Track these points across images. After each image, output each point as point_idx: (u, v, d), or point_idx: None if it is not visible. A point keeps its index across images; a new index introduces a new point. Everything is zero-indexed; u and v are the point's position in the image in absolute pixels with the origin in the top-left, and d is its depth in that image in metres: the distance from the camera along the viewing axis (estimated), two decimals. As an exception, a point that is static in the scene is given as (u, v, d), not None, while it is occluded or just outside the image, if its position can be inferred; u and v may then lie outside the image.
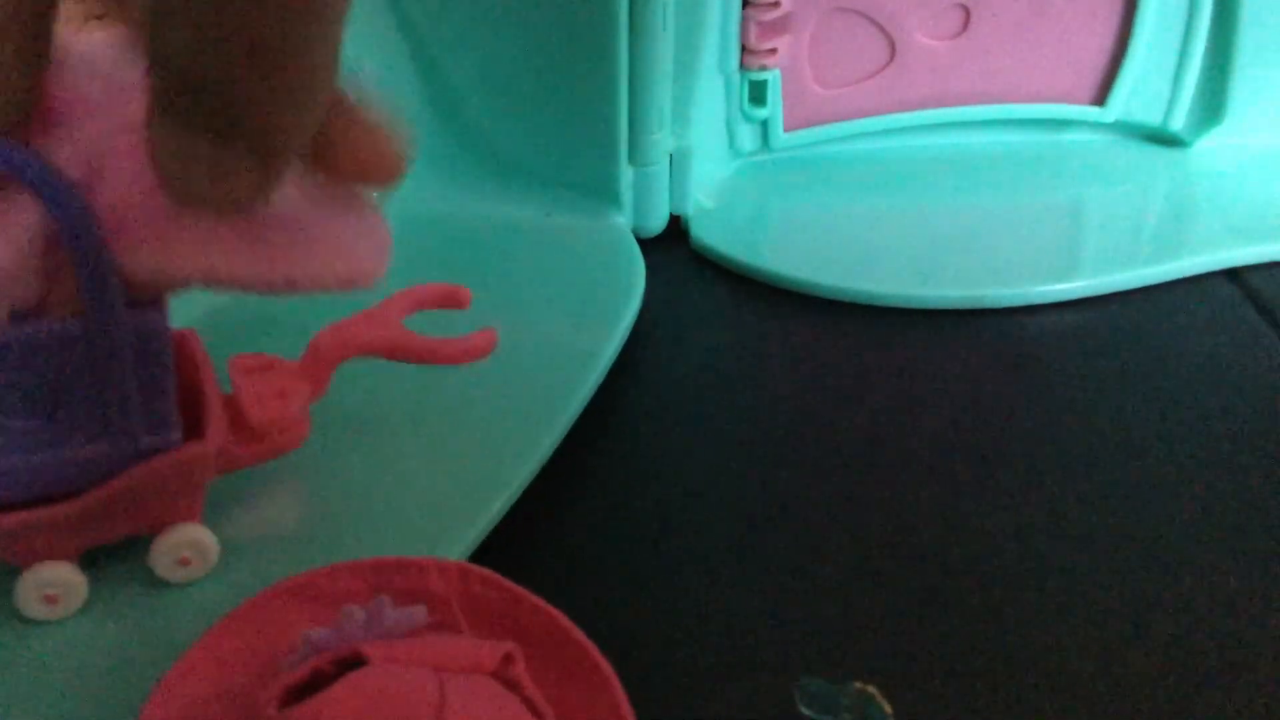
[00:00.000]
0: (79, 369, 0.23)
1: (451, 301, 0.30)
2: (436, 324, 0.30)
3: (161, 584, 0.27)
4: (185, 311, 0.25)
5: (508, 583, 0.24)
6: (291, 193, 0.24)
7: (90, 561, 0.26)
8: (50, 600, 0.25)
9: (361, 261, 0.25)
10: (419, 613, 0.22)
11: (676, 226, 0.46)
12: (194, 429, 0.26)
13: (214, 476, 0.27)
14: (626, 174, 0.43)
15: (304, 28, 0.17)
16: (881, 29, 0.48)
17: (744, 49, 0.46)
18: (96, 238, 0.21)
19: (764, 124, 0.49)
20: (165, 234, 0.22)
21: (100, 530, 0.25)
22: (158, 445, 0.25)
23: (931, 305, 0.40)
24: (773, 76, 0.47)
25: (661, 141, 0.43)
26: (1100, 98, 0.51)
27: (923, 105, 0.50)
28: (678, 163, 0.45)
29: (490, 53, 0.43)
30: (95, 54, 0.23)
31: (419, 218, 0.42)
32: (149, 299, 0.23)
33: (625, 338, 0.37)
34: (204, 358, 0.28)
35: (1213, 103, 0.50)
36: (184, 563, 0.26)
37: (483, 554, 0.28)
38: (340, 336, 0.29)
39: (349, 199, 0.26)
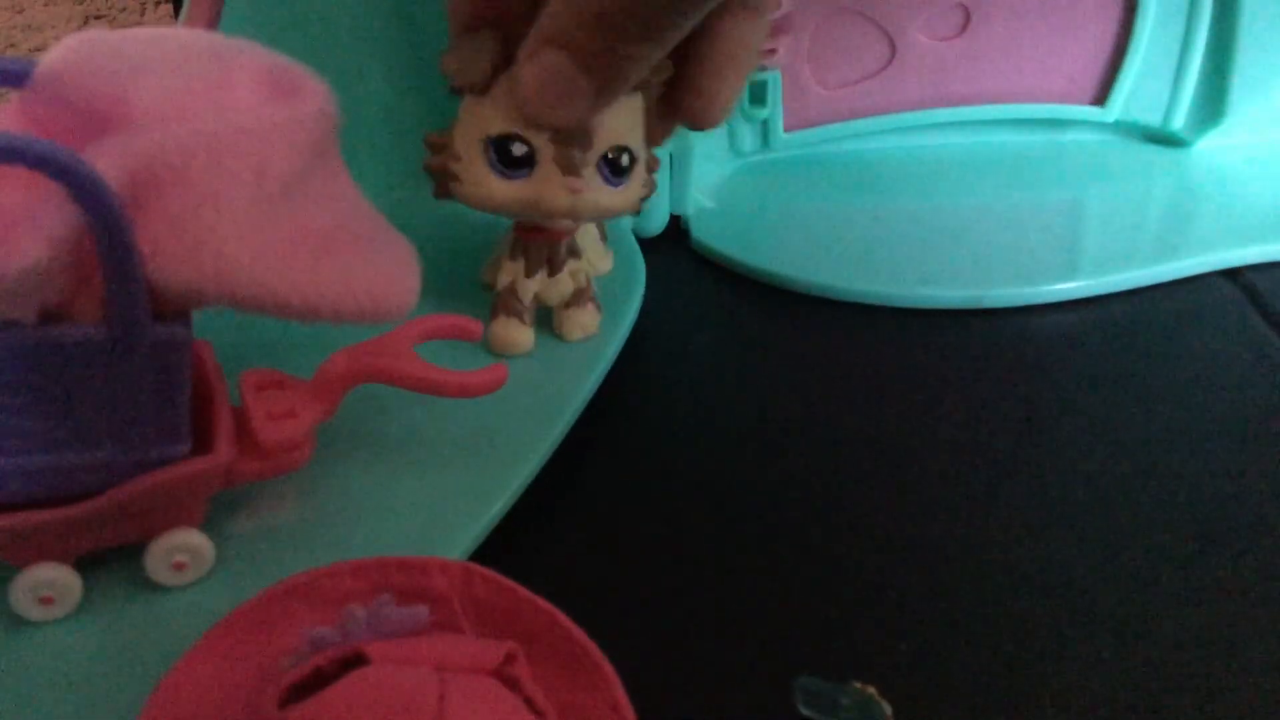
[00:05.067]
0: (97, 375, 0.23)
1: (462, 333, 0.31)
2: (445, 345, 0.31)
3: (158, 586, 0.27)
4: (199, 320, 0.25)
5: (509, 582, 0.24)
6: (328, 226, 0.25)
7: (85, 563, 0.26)
8: (46, 602, 0.25)
9: (389, 297, 0.25)
10: (420, 612, 0.22)
11: (676, 226, 0.46)
12: (202, 440, 0.26)
13: (217, 489, 0.27)
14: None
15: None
16: (881, 29, 0.48)
17: (744, 49, 0.46)
18: (130, 248, 0.21)
19: (764, 124, 0.49)
20: (198, 254, 0.22)
21: (102, 535, 0.25)
22: (167, 456, 0.25)
23: (931, 305, 0.40)
24: (773, 76, 0.47)
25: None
26: (1100, 98, 0.51)
27: (923, 105, 0.50)
28: (678, 163, 0.45)
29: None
30: (150, 62, 0.24)
31: (420, 219, 0.42)
32: (174, 313, 0.23)
33: (625, 338, 0.37)
34: (216, 370, 0.28)
35: (1213, 103, 0.50)
36: (178, 566, 0.26)
37: (483, 554, 0.28)
38: (353, 362, 0.29)
39: (383, 233, 0.26)
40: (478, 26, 0.30)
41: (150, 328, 0.23)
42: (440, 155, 0.32)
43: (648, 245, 0.43)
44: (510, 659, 0.21)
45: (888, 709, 0.24)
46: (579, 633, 0.23)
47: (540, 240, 0.35)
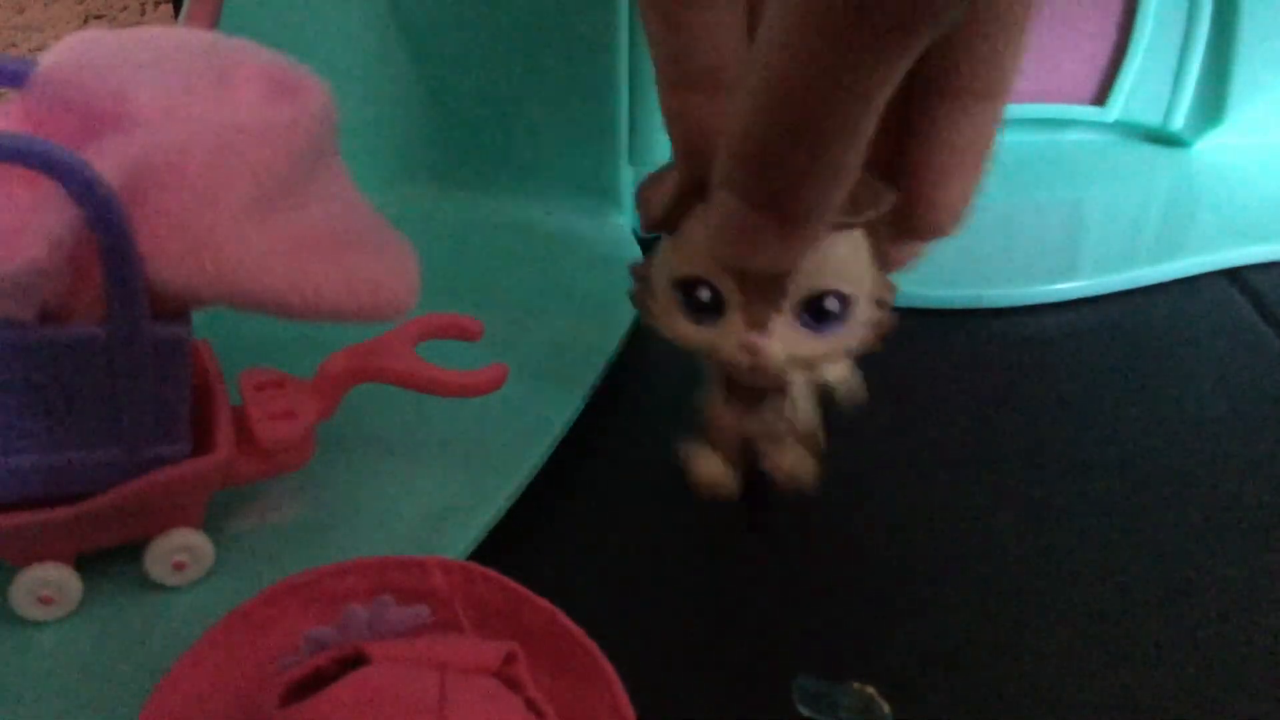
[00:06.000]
0: (96, 375, 0.23)
1: (463, 332, 0.31)
2: (445, 344, 0.31)
3: (158, 585, 0.27)
4: (198, 319, 0.25)
5: (510, 582, 0.24)
6: (328, 225, 0.25)
7: (85, 563, 0.26)
8: (46, 601, 0.25)
9: (389, 296, 0.25)
10: (421, 612, 0.22)
11: (676, 226, 0.46)
12: (202, 440, 0.26)
13: (217, 489, 0.27)
14: (626, 174, 0.43)
15: (848, 115, 0.18)
16: (881, 29, 0.48)
17: (744, 49, 0.46)
18: (129, 248, 0.21)
19: (764, 124, 0.49)
20: (198, 253, 0.22)
21: (101, 534, 0.25)
22: (167, 455, 0.25)
23: (931, 305, 0.40)
24: (773, 76, 0.47)
25: (662, 141, 0.43)
26: (1100, 98, 0.51)
27: (923, 105, 0.50)
28: (678, 163, 0.45)
29: (490, 53, 0.43)
30: (149, 62, 0.24)
31: (419, 218, 0.42)
32: (173, 312, 0.24)
33: (625, 338, 0.37)
34: (216, 369, 0.28)
35: (1213, 103, 0.50)
36: (178, 566, 0.26)
37: (483, 554, 0.28)
38: (353, 361, 0.29)
39: (382, 232, 0.26)
40: (689, 155, 0.25)
41: (150, 328, 0.23)
42: (640, 285, 0.29)
43: (648, 245, 0.43)
44: (511, 659, 0.21)
45: (887, 709, 0.24)
46: (579, 633, 0.23)
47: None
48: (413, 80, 0.44)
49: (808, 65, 0.17)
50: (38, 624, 0.25)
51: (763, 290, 0.26)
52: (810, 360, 0.27)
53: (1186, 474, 0.32)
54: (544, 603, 0.24)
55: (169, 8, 0.71)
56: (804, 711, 0.25)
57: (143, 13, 0.71)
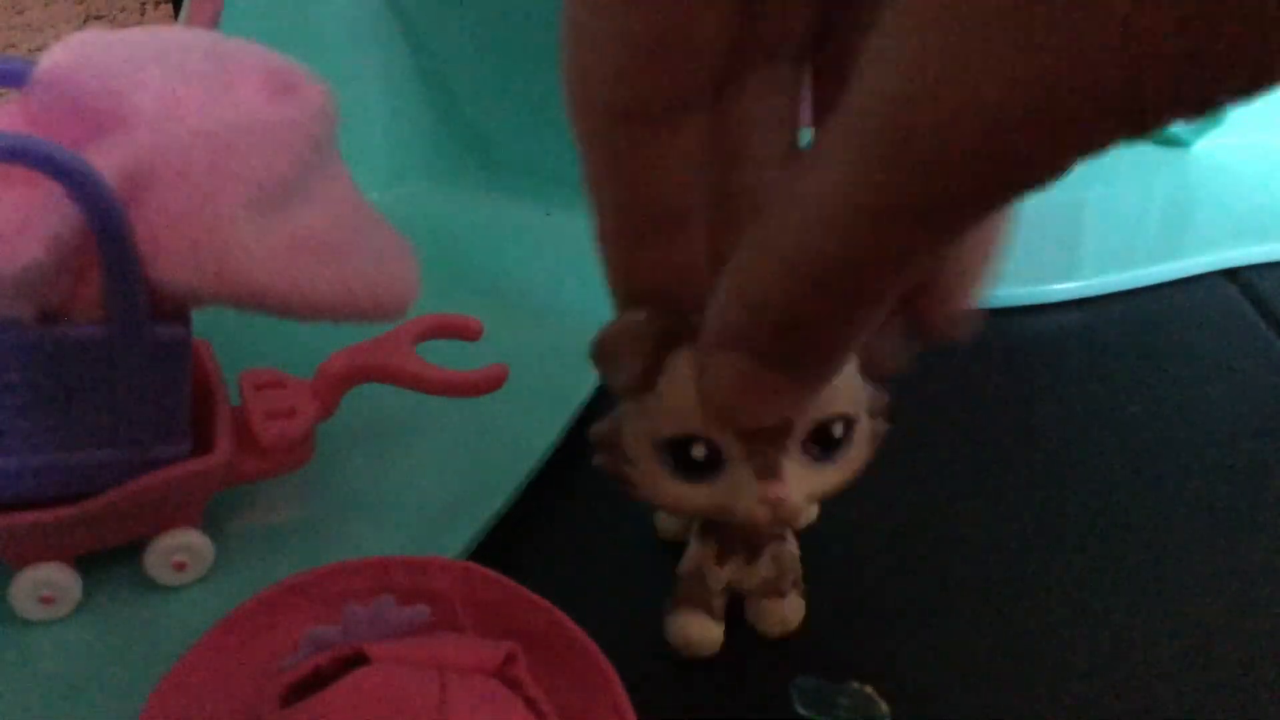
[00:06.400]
0: (96, 375, 0.23)
1: (463, 332, 0.31)
2: (445, 344, 0.31)
3: (158, 585, 0.27)
4: (198, 319, 0.25)
5: (510, 582, 0.24)
6: (328, 225, 0.25)
7: (85, 563, 0.26)
8: (46, 601, 0.25)
9: (389, 296, 0.25)
10: (421, 612, 0.22)
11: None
12: (202, 440, 0.26)
13: (217, 489, 0.27)
14: (626, 174, 0.43)
15: (899, 280, 0.16)
16: (881, 29, 0.48)
17: (744, 49, 0.46)
18: (130, 248, 0.21)
19: (764, 124, 0.49)
20: (198, 253, 0.22)
21: (102, 535, 0.25)
22: (167, 455, 0.25)
23: (931, 305, 0.40)
24: (773, 76, 0.47)
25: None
26: (1100, 98, 0.51)
27: (922, 105, 0.50)
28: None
29: (490, 53, 0.43)
30: (149, 62, 0.24)
31: (419, 218, 0.42)
32: (173, 312, 0.24)
33: (625, 337, 0.37)
34: (216, 369, 0.28)
35: (1213, 103, 0.50)
36: (178, 566, 0.26)
37: (483, 554, 0.28)
38: (353, 361, 0.29)
39: (382, 232, 0.26)
40: (645, 300, 0.23)
41: (150, 327, 0.23)
42: (609, 454, 0.25)
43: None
44: (511, 659, 0.21)
45: (887, 709, 0.24)
46: (579, 633, 0.23)
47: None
48: (413, 80, 0.44)
49: (864, 239, 0.15)
50: (38, 624, 0.25)
51: (768, 436, 0.23)
52: (825, 493, 0.24)
53: (1187, 473, 0.32)
54: (544, 603, 0.24)
55: (169, 8, 0.71)
56: (804, 711, 0.25)
57: (143, 13, 0.71)
